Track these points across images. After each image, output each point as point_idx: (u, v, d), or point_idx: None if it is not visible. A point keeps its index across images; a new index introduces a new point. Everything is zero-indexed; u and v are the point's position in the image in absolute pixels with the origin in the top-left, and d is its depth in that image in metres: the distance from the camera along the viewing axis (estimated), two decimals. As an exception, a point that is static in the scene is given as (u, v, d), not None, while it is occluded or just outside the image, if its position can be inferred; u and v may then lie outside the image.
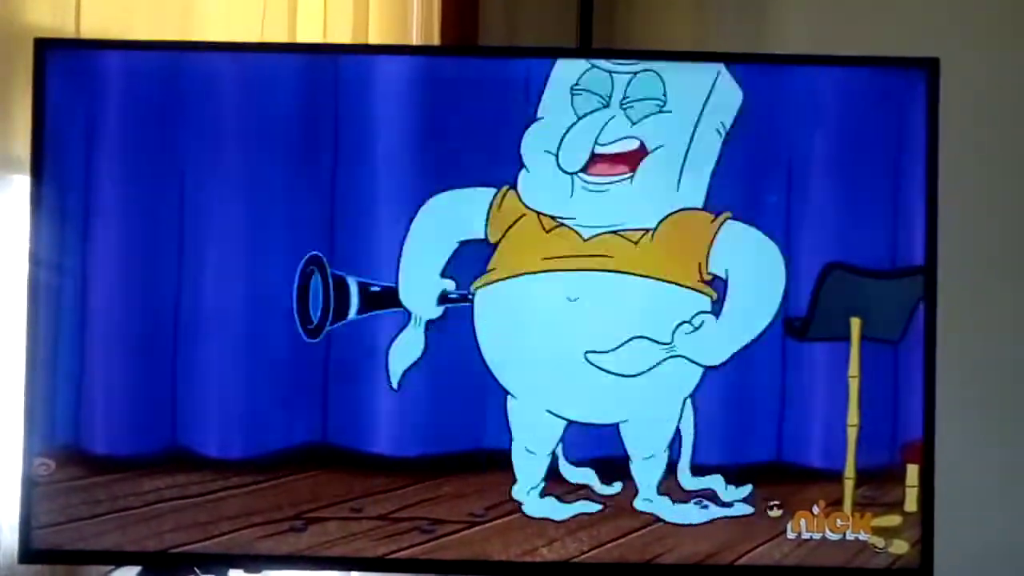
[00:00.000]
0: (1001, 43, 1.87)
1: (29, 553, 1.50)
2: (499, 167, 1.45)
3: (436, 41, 2.15)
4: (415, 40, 2.14)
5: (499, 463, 1.43)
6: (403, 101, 1.49)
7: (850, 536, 1.50)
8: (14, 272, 1.55)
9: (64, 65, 1.51)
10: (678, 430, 1.39)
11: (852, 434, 1.27)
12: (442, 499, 1.41)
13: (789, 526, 1.50)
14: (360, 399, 1.45)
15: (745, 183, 1.42)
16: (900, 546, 1.31)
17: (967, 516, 1.75)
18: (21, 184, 1.56)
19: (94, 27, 1.67)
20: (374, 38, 2.04)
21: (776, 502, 1.49)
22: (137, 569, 1.51)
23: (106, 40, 1.63)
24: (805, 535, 1.50)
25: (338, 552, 1.41)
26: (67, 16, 1.65)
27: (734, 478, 1.36)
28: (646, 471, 1.39)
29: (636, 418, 1.39)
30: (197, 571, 1.51)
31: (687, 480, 1.39)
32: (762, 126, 1.43)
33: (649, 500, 1.40)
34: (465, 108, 1.47)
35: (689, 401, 1.40)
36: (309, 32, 1.95)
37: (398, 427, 1.45)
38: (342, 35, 1.99)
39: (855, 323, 1.24)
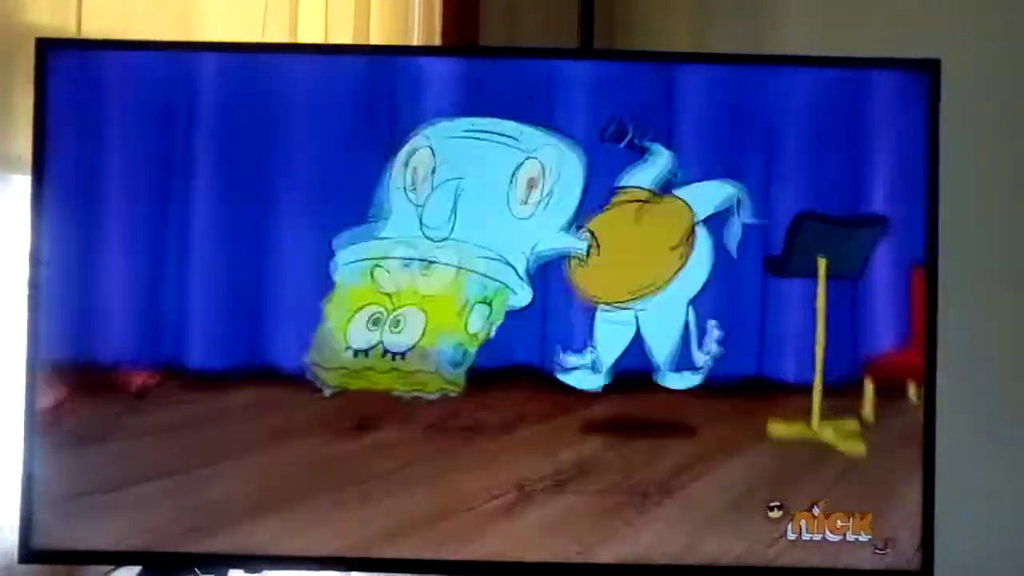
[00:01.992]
0: (1001, 43, 1.87)
1: (29, 553, 1.50)
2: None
3: (437, 41, 2.15)
4: (416, 40, 2.14)
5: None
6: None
7: (850, 537, 1.51)
8: (14, 272, 1.56)
9: (66, 65, 1.51)
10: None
11: (819, 353, 1.42)
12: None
13: (789, 527, 1.51)
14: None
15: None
16: (858, 447, 1.44)
17: (968, 517, 1.75)
18: (22, 184, 1.56)
19: (95, 27, 1.68)
20: (375, 38, 2.04)
21: (776, 503, 1.51)
22: (137, 569, 1.51)
23: (108, 40, 1.63)
24: (805, 536, 1.51)
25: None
26: (68, 16, 1.66)
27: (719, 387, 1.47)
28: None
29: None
30: (197, 571, 1.51)
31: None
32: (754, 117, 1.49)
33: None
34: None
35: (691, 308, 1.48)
36: (310, 32, 1.95)
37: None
38: (343, 36, 1.99)
39: (822, 263, 1.42)
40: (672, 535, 1.49)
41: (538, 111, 1.48)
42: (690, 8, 2.26)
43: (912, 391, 1.44)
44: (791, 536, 1.50)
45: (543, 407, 1.47)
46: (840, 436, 1.42)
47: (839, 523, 1.51)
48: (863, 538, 1.51)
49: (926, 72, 1.51)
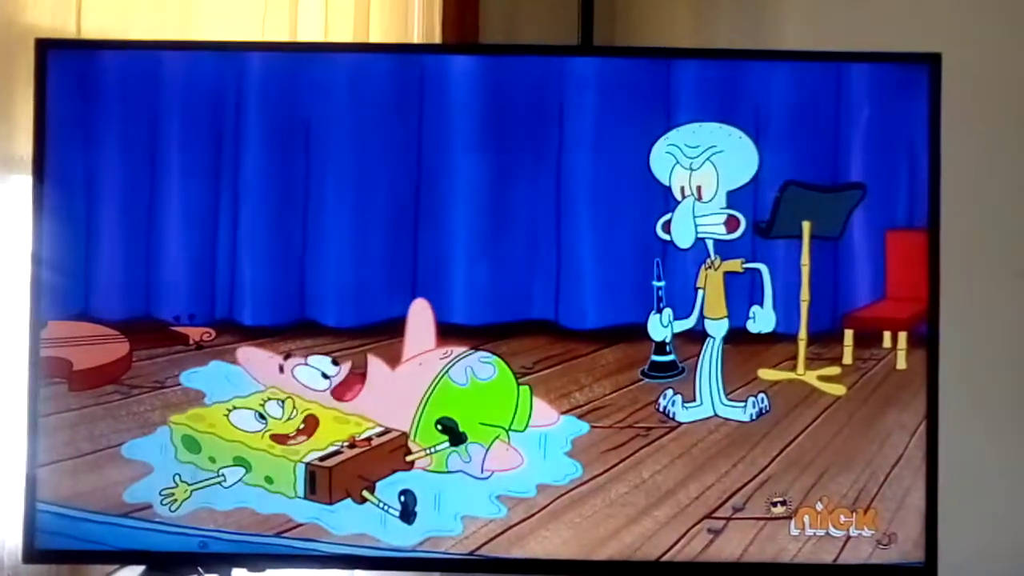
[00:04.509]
0: (1001, 38, 1.86)
1: (33, 553, 1.51)
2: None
3: (437, 39, 2.15)
4: (416, 38, 2.14)
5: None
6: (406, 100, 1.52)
7: (853, 533, 1.51)
8: (16, 272, 1.56)
9: (65, 65, 1.51)
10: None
11: (804, 307, 1.54)
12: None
13: (792, 523, 1.51)
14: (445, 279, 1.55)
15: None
16: (838, 389, 1.54)
17: (972, 514, 1.75)
18: (23, 184, 1.56)
19: (94, 27, 1.68)
20: (375, 36, 2.04)
21: (780, 499, 1.51)
22: (141, 568, 1.51)
23: (107, 40, 1.63)
24: (808, 532, 1.51)
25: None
26: (68, 16, 1.66)
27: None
28: None
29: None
30: (200, 570, 1.52)
31: None
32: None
33: None
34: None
35: None
36: (310, 31, 1.95)
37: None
38: (343, 35, 1.99)
39: (806, 225, 1.54)
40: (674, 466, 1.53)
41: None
42: (690, 4, 2.26)
43: (887, 340, 1.54)
44: (794, 532, 1.51)
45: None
46: (822, 379, 1.54)
47: (842, 518, 1.51)
48: (866, 533, 1.51)
49: (925, 65, 1.52)
